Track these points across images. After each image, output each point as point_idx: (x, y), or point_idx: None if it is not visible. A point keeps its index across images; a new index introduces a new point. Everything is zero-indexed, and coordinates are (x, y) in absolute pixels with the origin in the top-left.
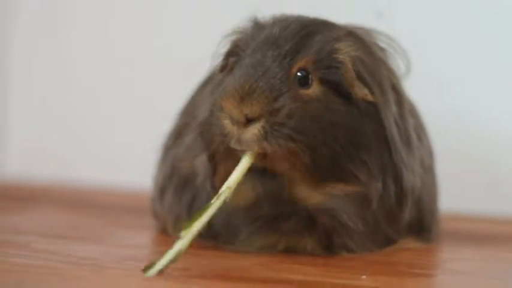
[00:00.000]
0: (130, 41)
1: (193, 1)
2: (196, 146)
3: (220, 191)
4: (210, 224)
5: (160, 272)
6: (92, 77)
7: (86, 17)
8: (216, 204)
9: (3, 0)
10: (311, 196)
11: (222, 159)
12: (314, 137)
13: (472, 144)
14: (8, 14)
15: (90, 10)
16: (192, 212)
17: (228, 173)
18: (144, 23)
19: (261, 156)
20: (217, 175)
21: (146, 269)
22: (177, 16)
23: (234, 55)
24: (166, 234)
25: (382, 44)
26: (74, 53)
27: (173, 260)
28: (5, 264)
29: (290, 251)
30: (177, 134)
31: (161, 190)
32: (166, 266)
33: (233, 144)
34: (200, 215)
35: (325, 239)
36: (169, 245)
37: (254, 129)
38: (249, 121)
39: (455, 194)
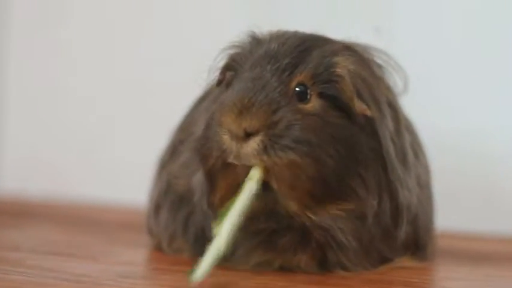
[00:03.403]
0: (130, 53)
1: (193, 9)
2: (192, 163)
3: (244, 185)
4: (206, 241)
5: (206, 275)
6: (89, 92)
7: (85, 29)
8: (244, 196)
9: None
10: (309, 213)
11: (220, 175)
12: (315, 147)
13: (469, 161)
14: (3, 23)
15: (90, 21)
16: (187, 229)
17: (228, 189)
18: (142, 40)
19: (264, 170)
20: (217, 191)
21: (190, 274)
22: (176, 25)
23: (231, 69)
24: (162, 251)
25: (379, 61)
26: (71, 66)
27: (216, 260)
28: (2, 281)
29: (284, 269)
30: (173, 150)
31: (156, 207)
32: (210, 267)
33: (232, 160)
34: (228, 211)
35: (319, 255)
36: (165, 262)
37: (253, 143)
38: (248, 135)
39: (452, 212)
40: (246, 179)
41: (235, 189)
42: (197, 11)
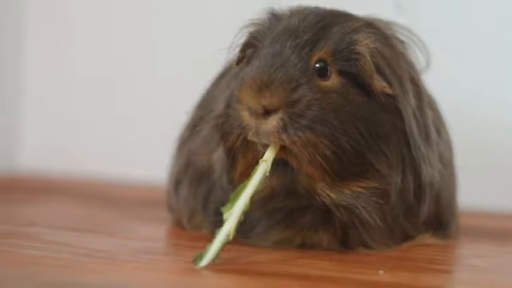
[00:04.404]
0: (139, 36)
1: None
2: (212, 140)
3: (256, 167)
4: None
5: (212, 261)
6: (104, 72)
7: (94, 16)
8: (255, 179)
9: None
10: (329, 193)
11: (240, 152)
12: (334, 127)
13: (492, 138)
14: (20, 16)
15: (99, 9)
16: (207, 205)
17: (247, 166)
18: (153, 17)
19: (281, 148)
20: (237, 168)
21: (196, 260)
22: (187, 9)
23: (251, 46)
24: (181, 227)
25: (401, 37)
26: (85, 49)
27: (222, 247)
28: (19, 255)
29: (306, 246)
30: (193, 127)
31: (176, 183)
32: (216, 254)
33: (251, 136)
34: (239, 195)
35: (341, 234)
36: (184, 238)
37: (273, 121)
38: (267, 112)
39: (475, 190)
40: (260, 160)
41: (254, 167)
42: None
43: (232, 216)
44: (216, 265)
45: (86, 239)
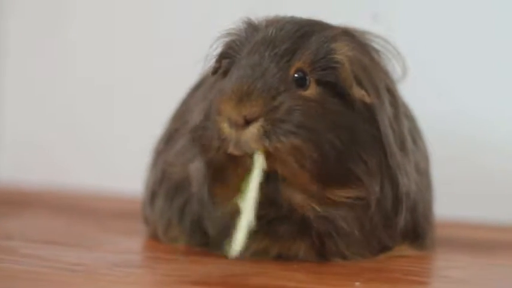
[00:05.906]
0: (128, 42)
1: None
2: (188, 151)
3: (254, 158)
4: (202, 229)
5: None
6: (86, 82)
7: (84, 17)
8: (255, 174)
9: None
10: (313, 204)
11: (223, 165)
12: (317, 133)
13: (468, 149)
14: (2, 12)
15: (88, 9)
16: (183, 217)
17: (233, 177)
18: (142, 24)
19: (266, 157)
20: (220, 181)
21: (228, 251)
22: (175, 17)
23: (227, 57)
24: (157, 240)
25: (377, 46)
26: (70, 55)
27: (247, 234)
28: None
29: (283, 257)
30: (168, 139)
31: (152, 195)
32: (243, 242)
33: (231, 149)
34: (247, 186)
35: (319, 244)
36: (160, 250)
37: (253, 129)
38: (247, 122)
39: (451, 200)
40: (251, 166)
41: (240, 178)
42: (195, 9)
43: (249, 205)
44: (194, 277)
45: (63, 253)
